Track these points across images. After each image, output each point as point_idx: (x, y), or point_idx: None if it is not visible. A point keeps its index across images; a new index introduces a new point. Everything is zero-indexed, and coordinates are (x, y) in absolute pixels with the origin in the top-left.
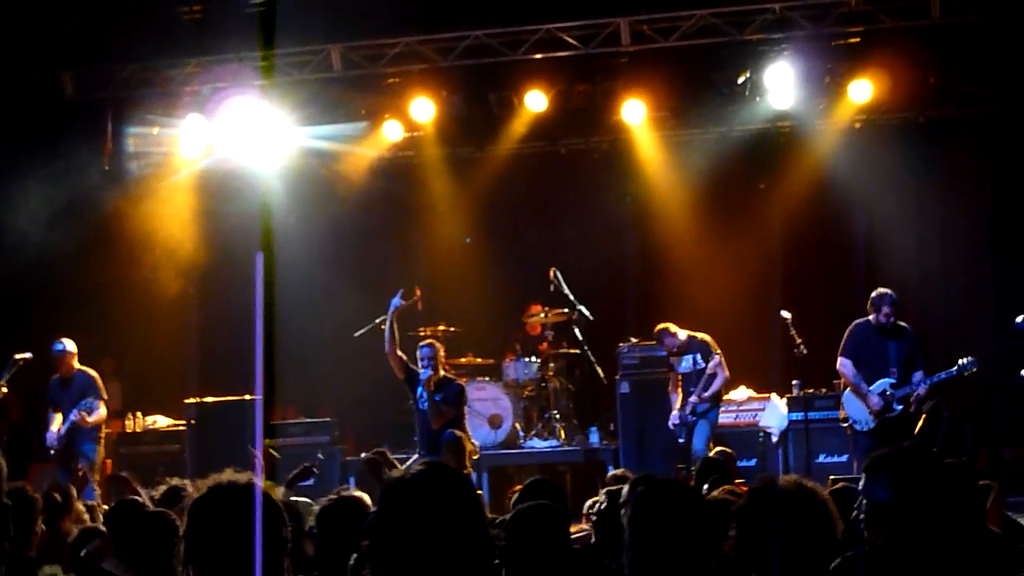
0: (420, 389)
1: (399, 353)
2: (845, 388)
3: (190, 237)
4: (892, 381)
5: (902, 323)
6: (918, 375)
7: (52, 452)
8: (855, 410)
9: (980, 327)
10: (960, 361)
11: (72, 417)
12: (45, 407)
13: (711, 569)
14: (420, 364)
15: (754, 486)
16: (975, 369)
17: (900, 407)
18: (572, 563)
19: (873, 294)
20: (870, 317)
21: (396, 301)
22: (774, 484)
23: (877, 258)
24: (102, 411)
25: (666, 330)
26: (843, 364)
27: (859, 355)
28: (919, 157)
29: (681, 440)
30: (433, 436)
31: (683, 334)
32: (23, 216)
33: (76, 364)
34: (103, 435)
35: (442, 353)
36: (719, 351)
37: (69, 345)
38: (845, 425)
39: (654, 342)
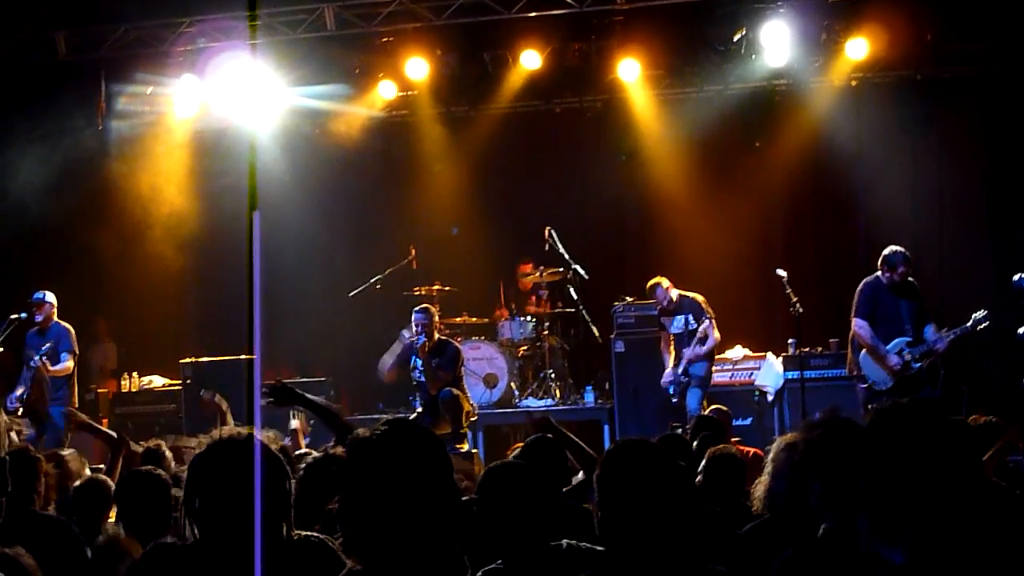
0: (415, 359)
1: (392, 374)
2: (860, 349)
3: (184, 196)
4: (908, 339)
5: (910, 279)
6: (930, 330)
7: (20, 412)
8: (873, 371)
9: (976, 285)
10: (974, 315)
11: (34, 363)
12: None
13: (682, 531)
14: (414, 330)
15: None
16: (988, 323)
17: (918, 365)
18: (551, 517)
19: (886, 251)
20: (879, 274)
21: (405, 334)
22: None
23: (873, 216)
24: (68, 363)
25: (659, 284)
26: (859, 325)
27: (873, 314)
28: (916, 115)
29: (675, 400)
30: (432, 401)
31: (675, 292)
32: (17, 177)
33: (55, 317)
34: (74, 392)
35: (437, 316)
36: (712, 313)
37: (49, 296)
38: (864, 386)
39: (649, 300)
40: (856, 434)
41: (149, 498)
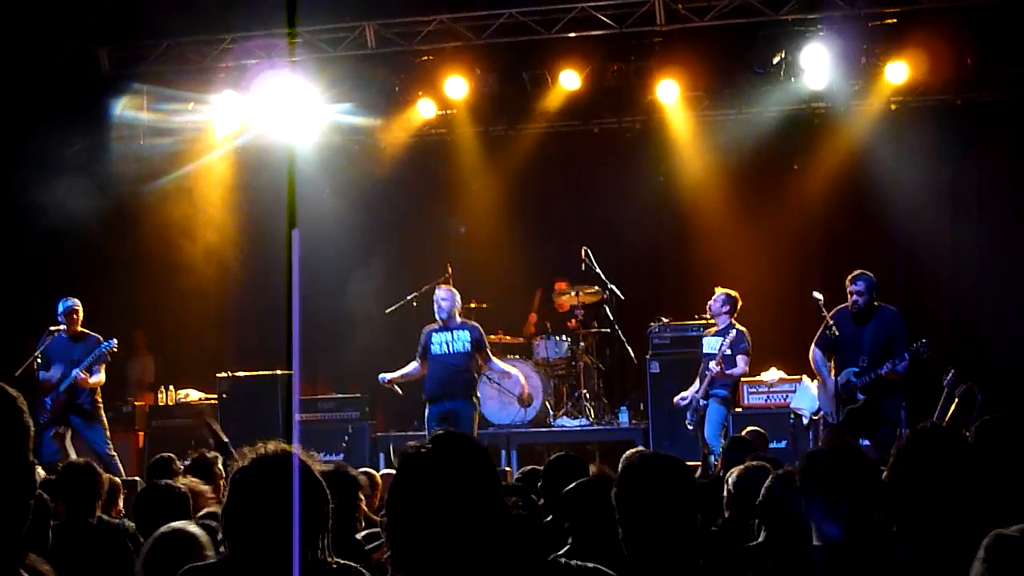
0: (432, 335)
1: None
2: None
3: (224, 212)
4: (855, 370)
5: (885, 306)
6: (890, 362)
7: (42, 419)
8: (821, 401)
9: (1015, 310)
10: (912, 345)
11: (74, 373)
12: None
13: (699, 541)
14: (437, 309)
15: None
16: (928, 351)
17: (863, 396)
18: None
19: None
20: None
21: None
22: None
23: (911, 240)
24: (101, 376)
25: (726, 295)
26: (812, 352)
27: (834, 343)
28: (955, 139)
29: (690, 427)
30: (453, 376)
31: (725, 315)
32: (59, 189)
33: (80, 325)
34: (101, 404)
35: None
36: (749, 349)
37: (78, 304)
38: (817, 418)
39: (685, 321)
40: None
41: (167, 511)
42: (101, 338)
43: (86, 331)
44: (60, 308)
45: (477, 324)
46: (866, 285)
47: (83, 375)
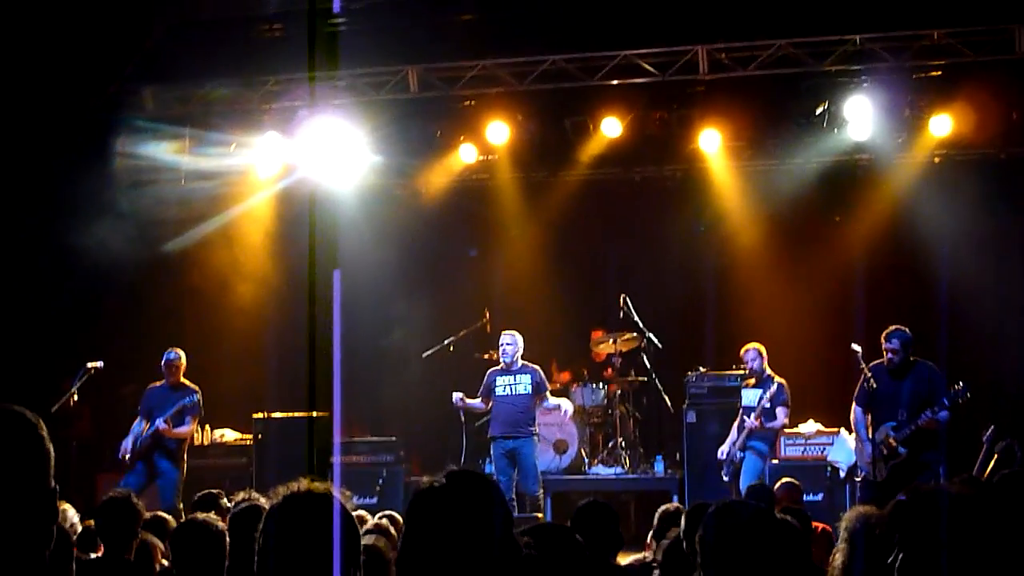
0: (496, 377)
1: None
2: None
3: (264, 253)
4: (893, 424)
5: (922, 361)
6: (929, 410)
7: (126, 457)
8: (860, 460)
9: None
10: (951, 390)
11: (158, 423)
12: (115, 418)
13: None
14: (501, 353)
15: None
16: (967, 396)
17: (904, 450)
18: None
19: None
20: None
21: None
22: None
23: (955, 294)
24: (190, 427)
25: (756, 349)
26: (853, 412)
27: (871, 399)
28: (999, 193)
29: (726, 478)
30: (515, 417)
31: (766, 367)
32: (100, 227)
33: (182, 378)
34: (184, 456)
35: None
36: (789, 402)
37: (183, 355)
38: (858, 479)
39: (723, 372)
40: (940, 507)
41: (202, 547)
42: (196, 388)
43: (186, 382)
44: (163, 359)
45: (538, 367)
46: (900, 342)
47: (165, 425)
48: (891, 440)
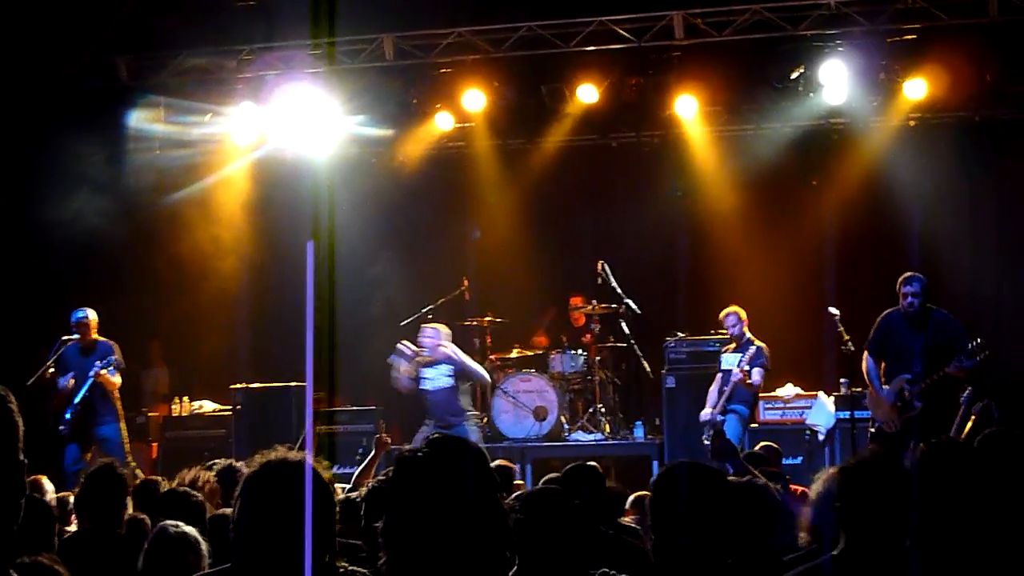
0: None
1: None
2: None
3: (240, 223)
4: (908, 376)
5: (938, 309)
6: (957, 359)
7: (62, 429)
8: (873, 411)
9: None
10: (970, 346)
11: (92, 372)
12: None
13: (733, 550)
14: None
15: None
16: (987, 352)
17: (919, 404)
18: (590, 544)
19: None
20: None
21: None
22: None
23: (929, 257)
24: (118, 378)
25: (736, 314)
26: (865, 360)
27: (885, 348)
28: (974, 156)
29: (707, 441)
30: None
31: (746, 331)
32: (76, 200)
33: (95, 333)
34: (120, 411)
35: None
36: (767, 364)
37: (91, 313)
38: (873, 429)
39: (701, 336)
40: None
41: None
42: (112, 342)
43: (97, 339)
44: (72, 319)
45: (452, 352)
46: (920, 286)
47: (103, 372)
48: (905, 393)
